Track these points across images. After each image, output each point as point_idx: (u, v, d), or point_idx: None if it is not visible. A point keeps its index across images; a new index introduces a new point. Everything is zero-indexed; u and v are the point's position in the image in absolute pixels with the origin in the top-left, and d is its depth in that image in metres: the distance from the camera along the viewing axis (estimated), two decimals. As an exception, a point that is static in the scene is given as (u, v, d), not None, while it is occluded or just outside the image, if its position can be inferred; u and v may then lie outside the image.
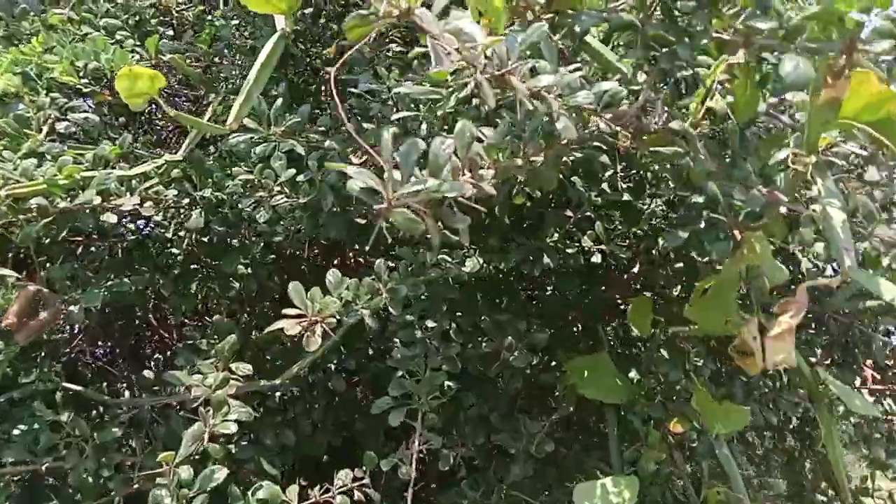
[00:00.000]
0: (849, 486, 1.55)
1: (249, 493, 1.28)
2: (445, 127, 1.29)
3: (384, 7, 0.61)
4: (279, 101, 1.34)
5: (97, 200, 1.28)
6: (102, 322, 2.08)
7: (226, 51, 1.79)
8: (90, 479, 1.36)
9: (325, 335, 1.11)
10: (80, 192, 1.30)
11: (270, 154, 1.36)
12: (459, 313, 1.54)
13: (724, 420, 1.43)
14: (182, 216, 1.56)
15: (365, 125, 1.40)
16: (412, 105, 1.32)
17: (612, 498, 1.37)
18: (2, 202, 1.21)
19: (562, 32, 0.98)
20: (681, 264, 1.61)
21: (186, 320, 2.21)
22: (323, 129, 1.41)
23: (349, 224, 1.53)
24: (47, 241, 1.37)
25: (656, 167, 1.53)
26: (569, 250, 1.49)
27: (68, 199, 1.28)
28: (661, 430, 1.56)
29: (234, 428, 1.26)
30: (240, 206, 1.46)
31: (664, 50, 0.94)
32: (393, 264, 1.34)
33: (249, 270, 1.70)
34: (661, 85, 0.95)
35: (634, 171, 1.59)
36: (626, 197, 1.52)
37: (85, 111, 1.54)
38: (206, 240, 1.65)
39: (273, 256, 1.78)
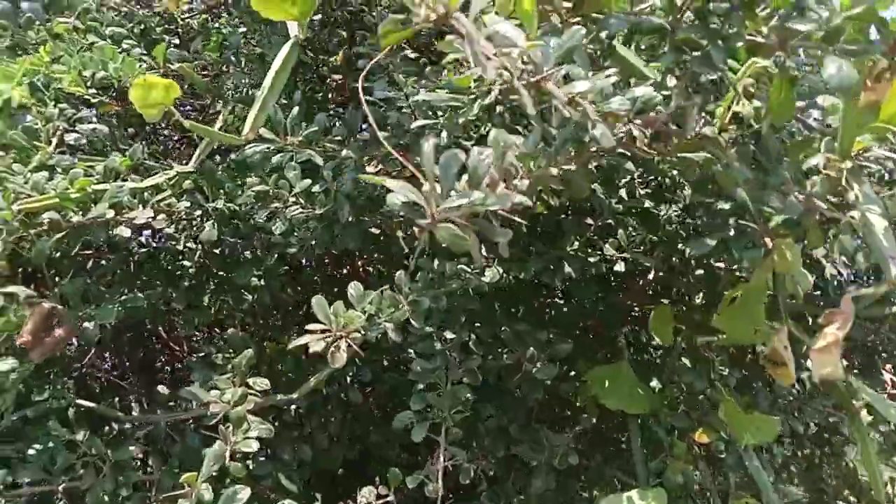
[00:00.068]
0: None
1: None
2: (468, 135, 1.27)
3: (423, 12, 0.59)
4: (295, 109, 1.31)
5: (110, 214, 1.26)
6: (111, 335, 2.06)
7: (234, 59, 1.77)
8: (107, 499, 1.33)
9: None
10: (93, 205, 1.27)
11: (285, 164, 1.33)
12: (478, 324, 1.51)
13: (754, 431, 1.40)
14: (194, 228, 1.53)
15: (380, 133, 1.38)
16: (429, 113, 1.29)
17: (639, 511, 1.35)
18: (14, 217, 1.18)
19: (589, 37, 0.96)
20: (701, 271, 1.58)
21: (196, 332, 2.19)
22: (339, 138, 1.38)
23: (364, 234, 1.51)
24: (57, 255, 1.35)
25: (675, 173, 1.51)
26: (590, 259, 1.46)
27: (80, 212, 1.26)
28: (685, 440, 1.53)
29: (255, 446, 1.23)
30: (254, 217, 1.44)
31: (695, 53, 0.91)
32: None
33: (262, 282, 1.67)
34: (693, 90, 0.92)
35: (652, 178, 1.57)
36: (647, 204, 1.49)
37: (91, 122, 1.52)
38: (217, 252, 1.62)
39: (286, 268, 1.75)
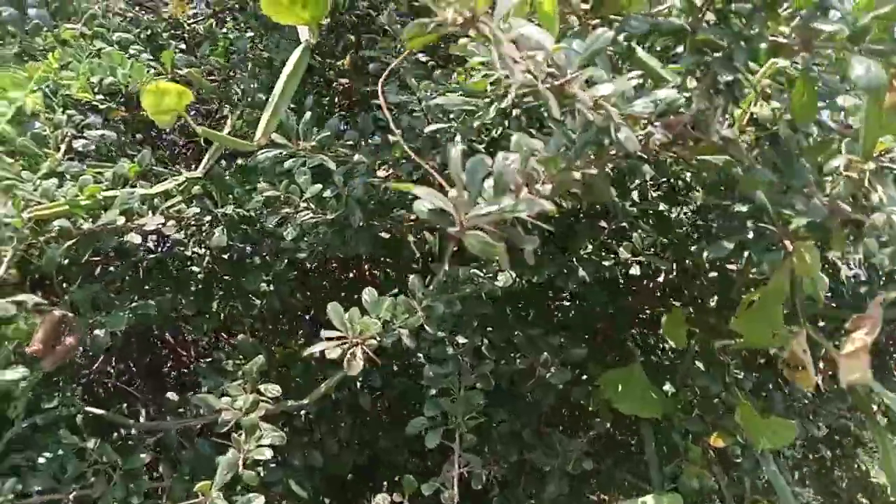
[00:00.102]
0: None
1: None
2: (480, 139, 1.26)
3: (451, 15, 0.57)
4: (307, 114, 1.30)
5: (121, 221, 1.24)
6: (119, 341, 2.04)
7: (241, 64, 1.76)
8: (118, 508, 1.32)
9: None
10: (103, 212, 1.26)
11: (296, 169, 1.32)
12: (490, 328, 1.50)
13: (770, 435, 1.39)
14: (203, 234, 1.52)
15: (391, 138, 1.37)
16: (441, 116, 1.28)
17: (656, 516, 1.33)
18: (24, 225, 1.17)
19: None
20: (714, 274, 1.57)
21: (203, 336, 2.18)
22: (351, 142, 1.37)
23: (374, 239, 1.50)
24: (65, 262, 1.34)
25: (688, 175, 1.50)
26: (604, 262, 1.45)
27: (91, 219, 1.25)
28: (700, 444, 1.52)
29: (269, 454, 1.22)
30: (265, 223, 1.42)
31: (716, 55, 0.90)
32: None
33: (271, 287, 1.66)
34: (714, 92, 0.91)
35: (664, 180, 1.56)
36: (661, 206, 1.47)
37: (97, 128, 1.51)
38: (226, 257, 1.61)
39: (294, 272, 1.74)
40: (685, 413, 1.56)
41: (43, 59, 1.42)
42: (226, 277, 1.66)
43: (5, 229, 1.16)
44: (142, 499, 1.34)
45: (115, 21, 1.69)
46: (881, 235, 0.96)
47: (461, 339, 1.40)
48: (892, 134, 0.98)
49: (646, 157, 1.10)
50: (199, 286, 1.63)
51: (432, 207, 0.58)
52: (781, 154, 0.94)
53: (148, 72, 1.48)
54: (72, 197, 1.22)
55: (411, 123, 1.33)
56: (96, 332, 1.30)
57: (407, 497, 1.29)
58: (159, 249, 1.70)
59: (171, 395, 1.58)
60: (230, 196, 1.51)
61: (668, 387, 1.64)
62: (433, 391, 1.36)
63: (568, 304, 1.89)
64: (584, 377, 1.70)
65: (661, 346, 1.85)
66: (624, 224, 1.46)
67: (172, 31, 1.88)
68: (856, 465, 2.22)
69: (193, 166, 1.52)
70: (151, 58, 1.62)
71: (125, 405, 1.83)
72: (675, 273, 1.69)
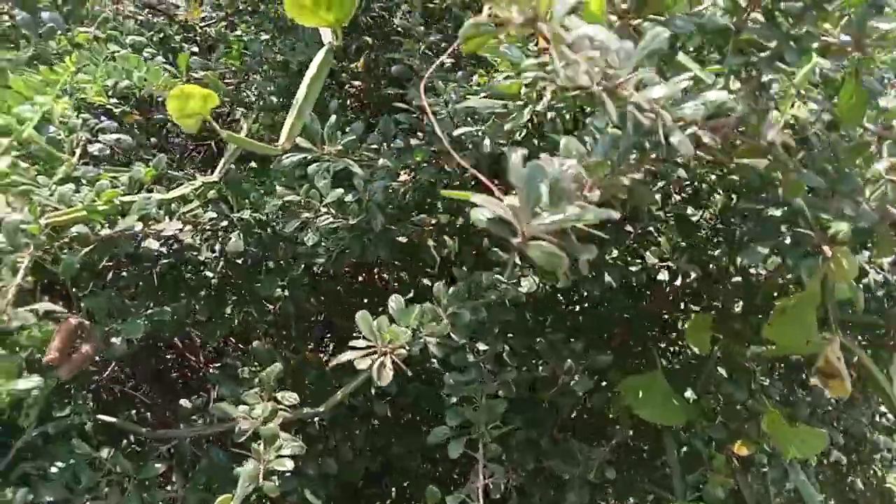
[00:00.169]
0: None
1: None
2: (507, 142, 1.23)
3: (515, 15, 0.55)
4: (332, 118, 1.27)
5: (139, 226, 1.22)
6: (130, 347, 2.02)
7: (256, 66, 1.73)
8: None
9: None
10: (120, 217, 1.24)
11: (318, 173, 1.29)
12: (511, 334, 1.47)
13: (799, 444, 1.36)
14: (219, 239, 1.50)
15: (413, 142, 1.34)
16: (468, 119, 1.25)
17: (682, 527, 1.31)
18: (41, 231, 1.14)
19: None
20: (739, 279, 1.54)
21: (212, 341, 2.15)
22: (375, 146, 1.35)
23: (392, 243, 1.47)
24: (79, 268, 1.31)
25: (712, 177, 1.48)
26: (631, 267, 1.42)
27: (108, 225, 1.22)
28: (724, 452, 1.49)
29: (290, 465, 1.20)
30: (284, 228, 1.40)
31: (762, 55, 0.88)
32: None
33: (286, 293, 1.64)
34: (760, 94, 0.89)
35: (688, 183, 1.53)
36: (689, 210, 1.45)
37: (112, 132, 1.49)
38: (240, 262, 1.59)
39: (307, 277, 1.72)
40: (708, 420, 1.53)
41: (58, 62, 1.39)
42: (239, 282, 1.64)
43: (22, 235, 1.13)
44: (156, 508, 1.31)
45: (129, 24, 1.67)
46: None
47: (482, 346, 1.37)
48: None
49: (680, 161, 1.08)
50: (213, 291, 1.61)
51: (492, 217, 0.55)
52: (829, 159, 0.92)
53: (164, 75, 1.45)
54: (89, 202, 1.19)
55: (441, 126, 1.31)
56: (113, 339, 1.27)
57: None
58: (171, 253, 1.67)
59: (185, 403, 1.55)
60: (246, 200, 1.48)
61: (688, 393, 1.61)
62: (454, 399, 1.34)
63: (583, 308, 1.87)
64: (604, 383, 1.68)
65: (681, 351, 1.83)
66: (650, 228, 1.43)
67: (185, 35, 1.86)
68: (872, 471, 2.20)
69: (208, 171, 1.50)
70: (165, 61, 1.60)
71: (133, 411, 1.82)
72: (693, 277, 1.67)
